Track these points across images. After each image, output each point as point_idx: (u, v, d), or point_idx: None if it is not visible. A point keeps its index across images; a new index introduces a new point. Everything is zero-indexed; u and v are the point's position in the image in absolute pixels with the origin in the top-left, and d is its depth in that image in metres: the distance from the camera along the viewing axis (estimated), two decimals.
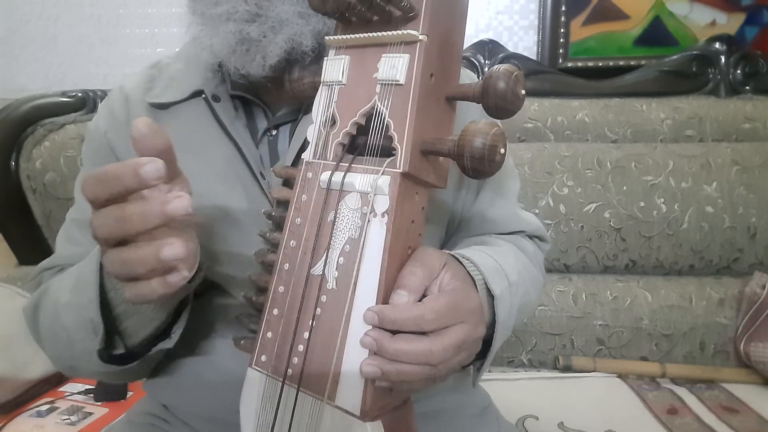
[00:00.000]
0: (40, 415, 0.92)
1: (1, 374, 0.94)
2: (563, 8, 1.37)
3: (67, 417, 0.91)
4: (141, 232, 0.35)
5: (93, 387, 1.00)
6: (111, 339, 0.51)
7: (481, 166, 0.38)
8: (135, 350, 0.52)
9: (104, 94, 1.33)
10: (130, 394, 1.00)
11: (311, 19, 0.52)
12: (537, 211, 1.17)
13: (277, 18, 0.51)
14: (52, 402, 0.97)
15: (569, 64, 1.39)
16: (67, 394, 1.00)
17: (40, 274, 0.62)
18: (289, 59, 0.53)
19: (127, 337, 0.51)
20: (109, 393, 0.98)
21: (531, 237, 0.69)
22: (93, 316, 0.47)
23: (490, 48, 1.35)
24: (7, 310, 1.01)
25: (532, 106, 1.30)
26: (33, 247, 1.31)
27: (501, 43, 1.36)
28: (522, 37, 1.43)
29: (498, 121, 0.57)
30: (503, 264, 0.54)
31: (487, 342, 0.51)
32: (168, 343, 0.53)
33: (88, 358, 0.50)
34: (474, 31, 1.41)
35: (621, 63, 1.38)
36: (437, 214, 0.62)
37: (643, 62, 1.35)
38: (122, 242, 0.36)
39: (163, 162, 0.35)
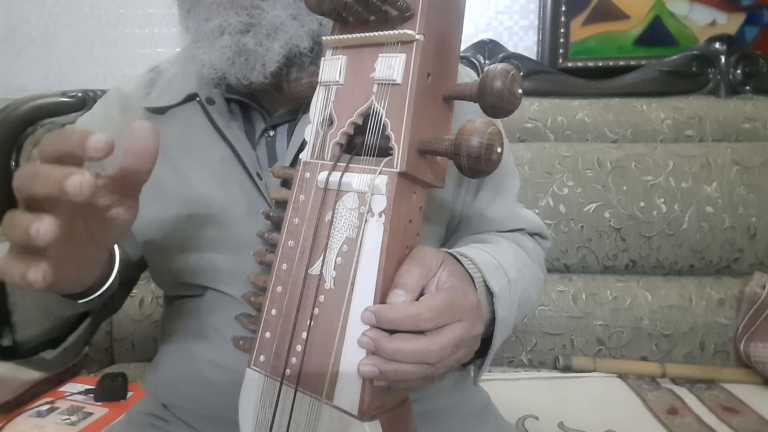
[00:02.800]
0: (40, 415, 0.92)
1: (1, 374, 0.94)
2: (563, 8, 1.37)
3: (67, 417, 0.91)
4: (40, 196, 0.32)
5: (93, 387, 1.00)
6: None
7: (477, 165, 0.38)
8: (20, 348, 0.51)
9: (104, 94, 1.33)
10: (130, 394, 1.00)
11: (305, 20, 0.52)
12: (537, 211, 1.17)
13: (271, 25, 0.51)
14: (52, 402, 0.96)
15: (569, 64, 1.39)
16: (67, 394, 1.00)
17: None
18: (288, 63, 0.53)
19: (16, 332, 0.50)
20: (109, 393, 0.98)
21: (531, 234, 0.69)
22: None
23: (490, 48, 1.35)
24: None
25: (532, 106, 1.30)
26: None
27: (501, 43, 1.36)
28: (522, 37, 1.43)
29: (497, 121, 0.57)
30: (502, 261, 0.54)
31: (487, 340, 0.51)
32: (48, 354, 0.51)
33: None
34: (474, 31, 1.41)
35: (621, 63, 1.37)
36: (437, 213, 0.62)
37: (643, 62, 1.34)
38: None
39: (109, 140, 0.32)
